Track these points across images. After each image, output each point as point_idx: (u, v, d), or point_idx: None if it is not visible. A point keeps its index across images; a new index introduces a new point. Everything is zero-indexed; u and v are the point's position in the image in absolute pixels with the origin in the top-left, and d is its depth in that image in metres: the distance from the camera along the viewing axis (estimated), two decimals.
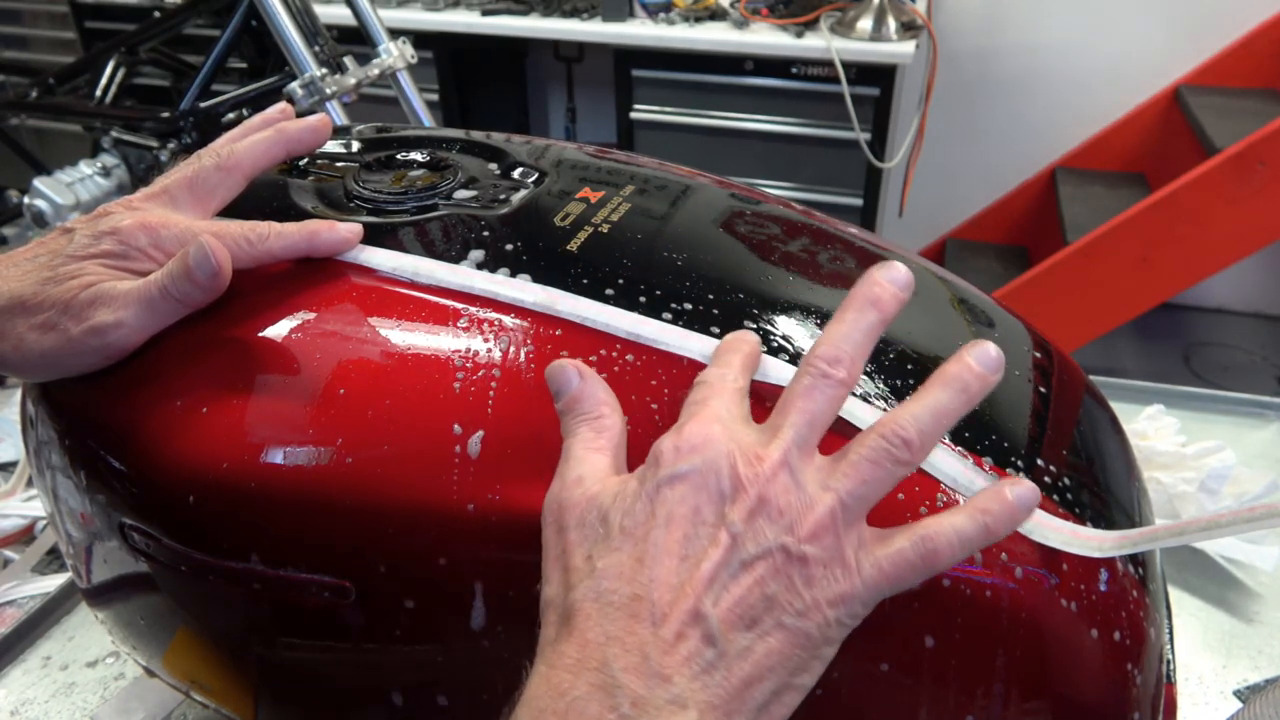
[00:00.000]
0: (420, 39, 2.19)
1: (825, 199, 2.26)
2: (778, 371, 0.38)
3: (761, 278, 0.45)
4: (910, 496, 0.36)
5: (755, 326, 0.41)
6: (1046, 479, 0.39)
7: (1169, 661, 0.42)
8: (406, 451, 0.37)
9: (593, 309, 0.40)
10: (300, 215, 0.46)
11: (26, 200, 1.47)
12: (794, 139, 2.23)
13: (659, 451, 0.33)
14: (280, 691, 0.44)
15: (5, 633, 0.64)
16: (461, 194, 0.49)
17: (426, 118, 1.43)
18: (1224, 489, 0.70)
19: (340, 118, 1.27)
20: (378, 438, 0.37)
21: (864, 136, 2.14)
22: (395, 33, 1.40)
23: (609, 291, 0.42)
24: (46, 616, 0.66)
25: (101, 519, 0.42)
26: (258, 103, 1.53)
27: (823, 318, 0.42)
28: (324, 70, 1.28)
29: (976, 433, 0.39)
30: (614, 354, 0.39)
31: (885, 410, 0.38)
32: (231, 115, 1.55)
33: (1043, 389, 0.44)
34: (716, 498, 0.31)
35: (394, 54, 1.37)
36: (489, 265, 0.43)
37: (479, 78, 2.64)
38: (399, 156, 0.51)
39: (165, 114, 1.54)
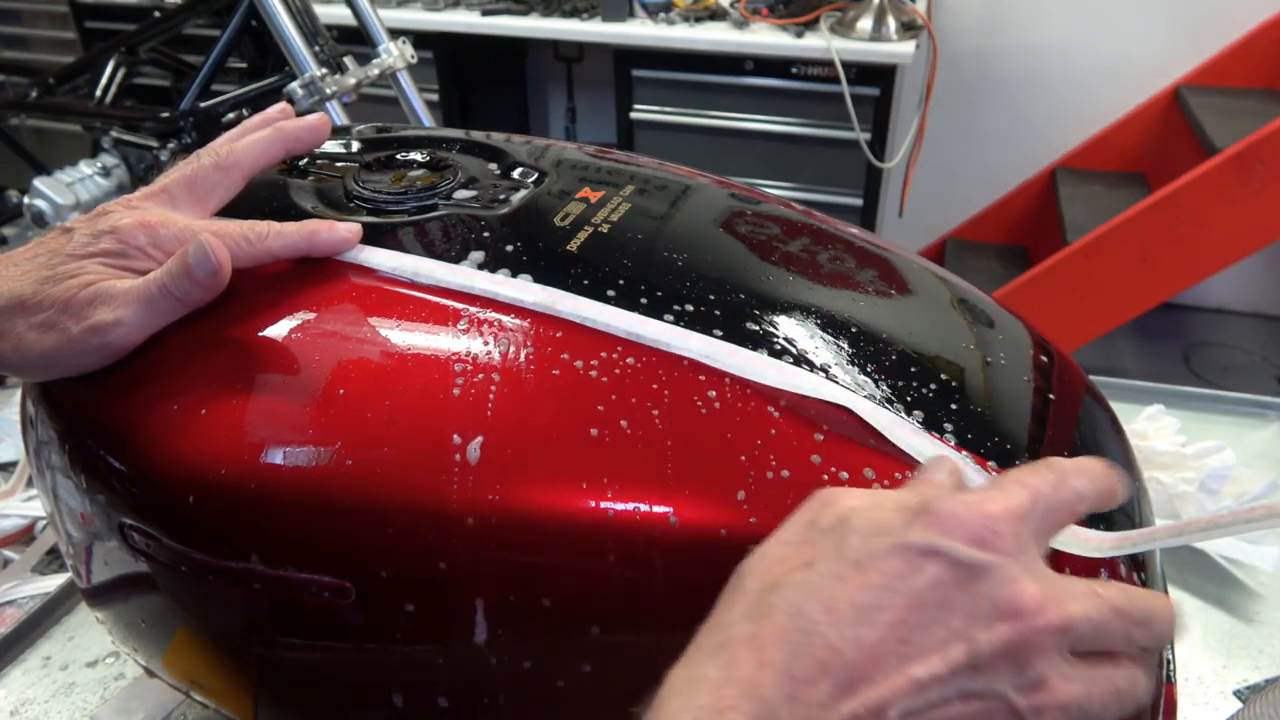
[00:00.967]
0: (420, 39, 2.19)
1: (825, 199, 2.26)
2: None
3: (761, 278, 0.45)
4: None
5: (756, 327, 0.41)
6: None
7: (1169, 661, 0.42)
8: (407, 452, 0.37)
9: (593, 309, 0.40)
10: (300, 215, 0.46)
11: (26, 200, 1.47)
12: (794, 139, 2.23)
13: (943, 510, 0.28)
14: (280, 692, 0.44)
15: (5, 633, 0.64)
16: (461, 194, 0.49)
17: (426, 118, 1.43)
18: (1224, 489, 0.70)
19: (340, 118, 1.27)
20: (378, 438, 0.37)
21: (864, 136, 2.14)
22: (395, 33, 1.40)
23: (609, 292, 0.42)
24: (46, 616, 0.66)
25: (101, 519, 0.42)
26: (258, 103, 1.53)
27: (823, 318, 0.42)
28: (324, 70, 1.28)
29: (978, 433, 0.39)
30: (615, 356, 0.39)
31: (895, 413, 0.38)
32: (231, 115, 1.55)
33: (1043, 389, 0.44)
34: (974, 610, 0.27)
35: (394, 54, 1.36)
36: (489, 265, 0.43)
37: (479, 78, 2.64)
38: (399, 156, 0.51)
39: (165, 114, 1.54)
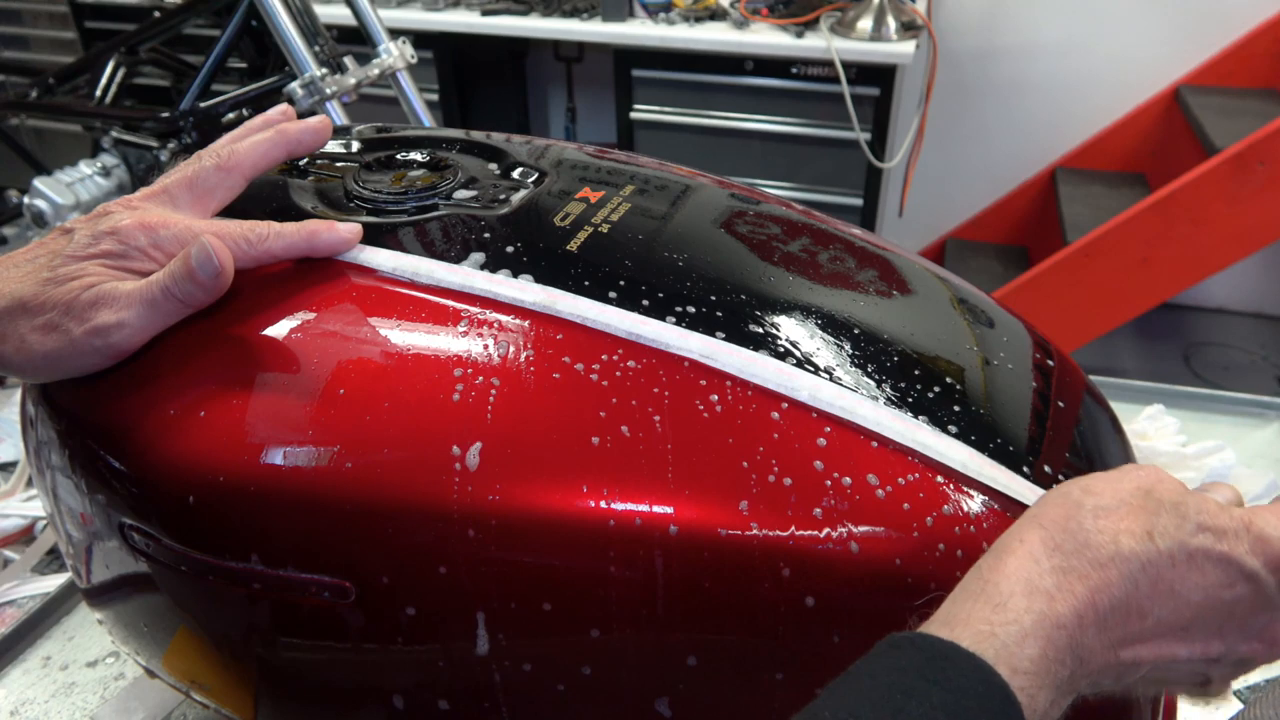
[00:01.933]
0: (420, 39, 2.20)
1: (825, 199, 2.26)
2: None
3: (761, 278, 0.45)
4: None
5: (755, 327, 0.41)
6: (1046, 478, 0.39)
7: None
8: (407, 453, 0.37)
9: (593, 309, 0.40)
10: (300, 215, 0.46)
11: (26, 200, 1.47)
12: (794, 139, 2.23)
13: (1269, 535, 0.33)
14: (280, 692, 0.44)
15: (5, 633, 0.64)
16: (461, 194, 0.49)
17: (426, 118, 1.43)
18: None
19: (340, 118, 1.27)
20: (378, 440, 0.37)
21: (864, 136, 2.14)
22: (395, 33, 1.40)
23: (609, 292, 0.42)
24: (46, 616, 0.66)
25: (101, 519, 0.42)
26: (258, 103, 1.53)
27: (823, 318, 0.42)
28: (324, 70, 1.28)
29: (978, 433, 0.39)
30: (615, 358, 0.39)
31: (894, 408, 0.38)
32: (231, 115, 1.55)
33: (1043, 389, 0.44)
34: (1247, 628, 0.33)
35: (394, 54, 1.36)
36: (489, 265, 0.43)
37: (479, 78, 2.64)
38: (399, 156, 0.51)
39: (165, 114, 1.53)
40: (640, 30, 2.21)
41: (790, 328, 0.41)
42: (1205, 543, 0.32)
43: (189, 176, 0.43)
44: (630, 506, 0.36)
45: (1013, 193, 2.67)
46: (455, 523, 0.37)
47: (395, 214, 0.47)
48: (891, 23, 2.11)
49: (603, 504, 0.36)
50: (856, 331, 0.42)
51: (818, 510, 0.36)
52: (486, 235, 0.45)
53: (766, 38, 2.15)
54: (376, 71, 1.35)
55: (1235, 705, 0.59)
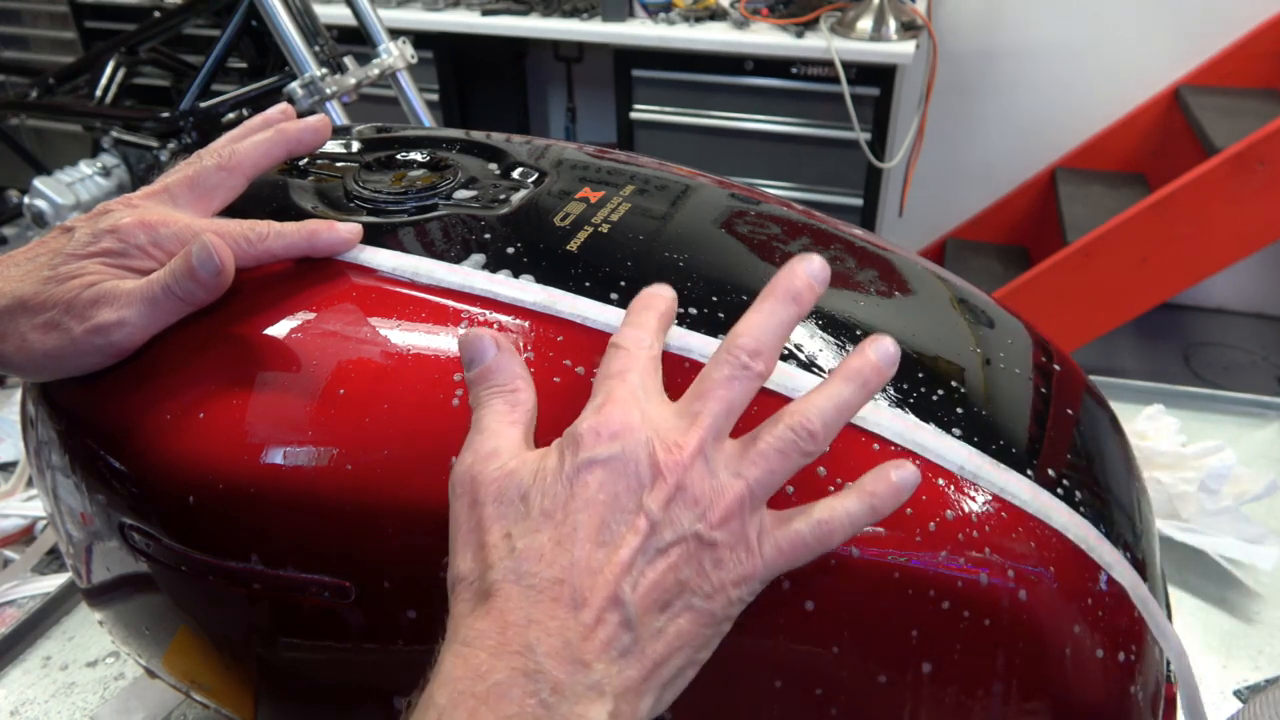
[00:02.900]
0: (420, 39, 2.20)
1: (825, 199, 2.26)
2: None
3: (761, 278, 0.45)
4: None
5: None
6: (1047, 478, 0.39)
7: (1168, 661, 0.42)
8: (407, 453, 0.37)
9: (593, 309, 0.40)
10: (300, 215, 0.46)
11: (26, 200, 1.47)
12: (794, 139, 2.23)
13: (578, 434, 0.33)
14: (280, 692, 0.44)
15: (5, 633, 0.64)
16: (461, 194, 0.49)
17: (426, 118, 1.43)
18: (1224, 489, 0.70)
19: (340, 118, 1.27)
20: (378, 439, 0.37)
21: (864, 136, 2.14)
22: (395, 33, 1.40)
23: (608, 291, 0.42)
24: (46, 616, 0.66)
25: (101, 519, 0.42)
26: (258, 103, 1.53)
27: (823, 318, 0.42)
28: (324, 70, 1.28)
29: (978, 434, 0.39)
30: None
31: (895, 409, 0.38)
32: (231, 115, 1.55)
33: (1043, 389, 0.44)
34: (635, 485, 0.32)
35: (394, 54, 1.36)
36: (489, 265, 0.43)
37: (479, 78, 2.64)
38: (399, 156, 0.51)
39: (165, 114, 1.53)
40: (640, 30, 2.22)
41: None
42: (542, 491, 0.32)
43: (189, 176, 0.44)
44: None
45: (1013, 193, 2.67)
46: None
47: (395, 214, 0.47)
48: (891, 23, 2.11)
49: None
50: (857, 331, 0.42)
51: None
52: (486, 235, 0.45)
53: (766, 38, 2.15)
54: (376, 71, 1.35)
55: (1235, 705, 0.59)
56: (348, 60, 1.34)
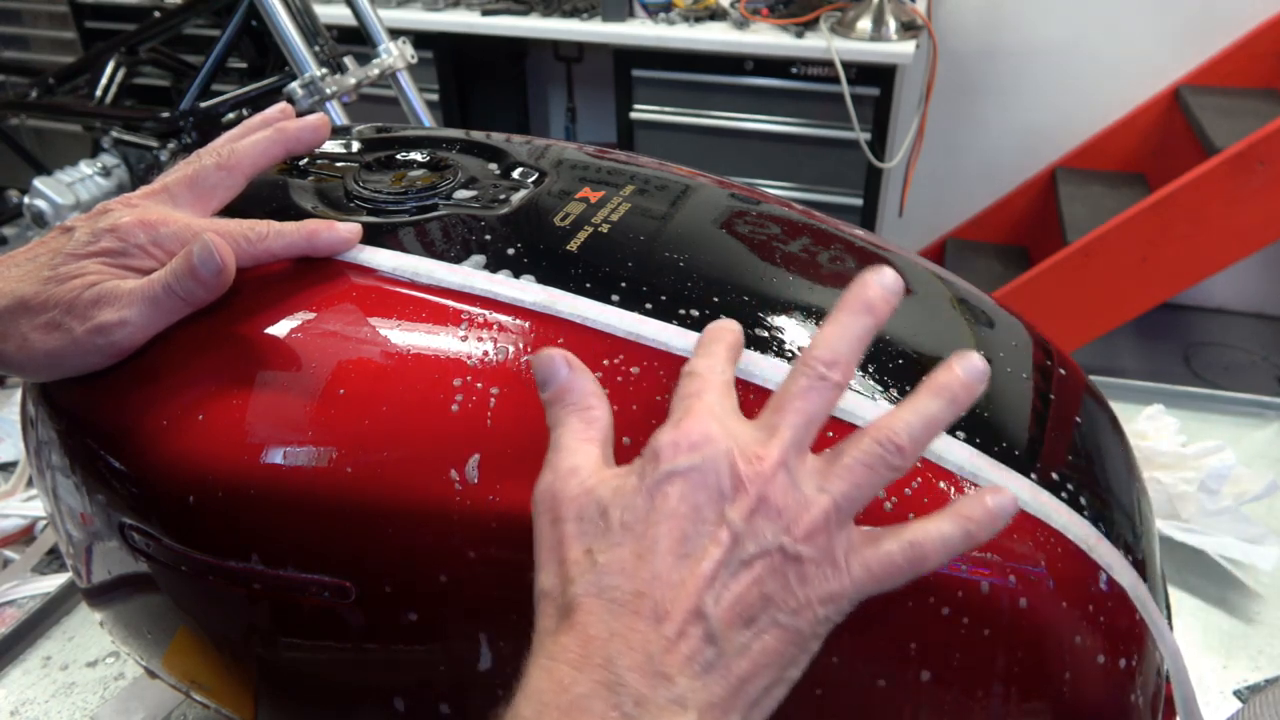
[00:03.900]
0: (420, 39, 2.20)
1: (825, 199, 2.26)
2: (758, 366, 0.38)
3: (762, 278, 0.45)
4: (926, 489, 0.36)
5: (755, 327, 0.41)
6: (1047, 479, 0.39)
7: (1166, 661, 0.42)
8: (407, 452, 0.37)
9: (593, 309, 0.40)
10: (300, 215, 0.46)
11: (26, 200, 1.47)
12: (794, 139, 2.23)
13: (657, 447, 0.32)
14: (280, 692, 0.44)
15: (5, 633, 0.64)
16: (461, 194, 0.49)
17: (426, 118, 1.43)
18: (1224, 489, 0.70)
19: (340, 118, 1.27)
20: (378, 439, 0.37)
21: (864, 136, 2.14)
22: (395, 33, 1.40)
23: (608, 291, 0.42)
24: (46, 616, 0.66)
25: (101, 519, 0.42)
26: (258, 103, 1.53)
27: (823, 318, 0.42)
28: (324, 70, 1.28)
29: (978, 432, 0.39)
30: (616, 362, 0.39)
31: (890, 405, 0.38)
32: (231, 115, 1.55)
33: (1043, 389, 0.44)
34: (716, 496, 0.31)
35: (394, 54, 1.36)
36: (489, 265, 0.43)
37: (479, 78, 2.64)
38: (399, 156, 0.51)
39: (165, 114, 1.53)
40: (640, 30, 2.21)
41: (790, 328, 0.41)
42: (622, 506, 0.32)
43: (189, 175, 0.44)
44: None
45: (1013, 193, 2.67)
46: (455, 525, 0.37)
47: (395, 214, 0.47)
48: (891, 23, 2.11)
49: None
50: None
51: None
52: (486, 235, 0.45)
53: (766, 38, 2.15)
54: (376, 71, 1.35)
55: (1235, 705, 0.59)
56: (348, 60, 1.34)
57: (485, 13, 2.33)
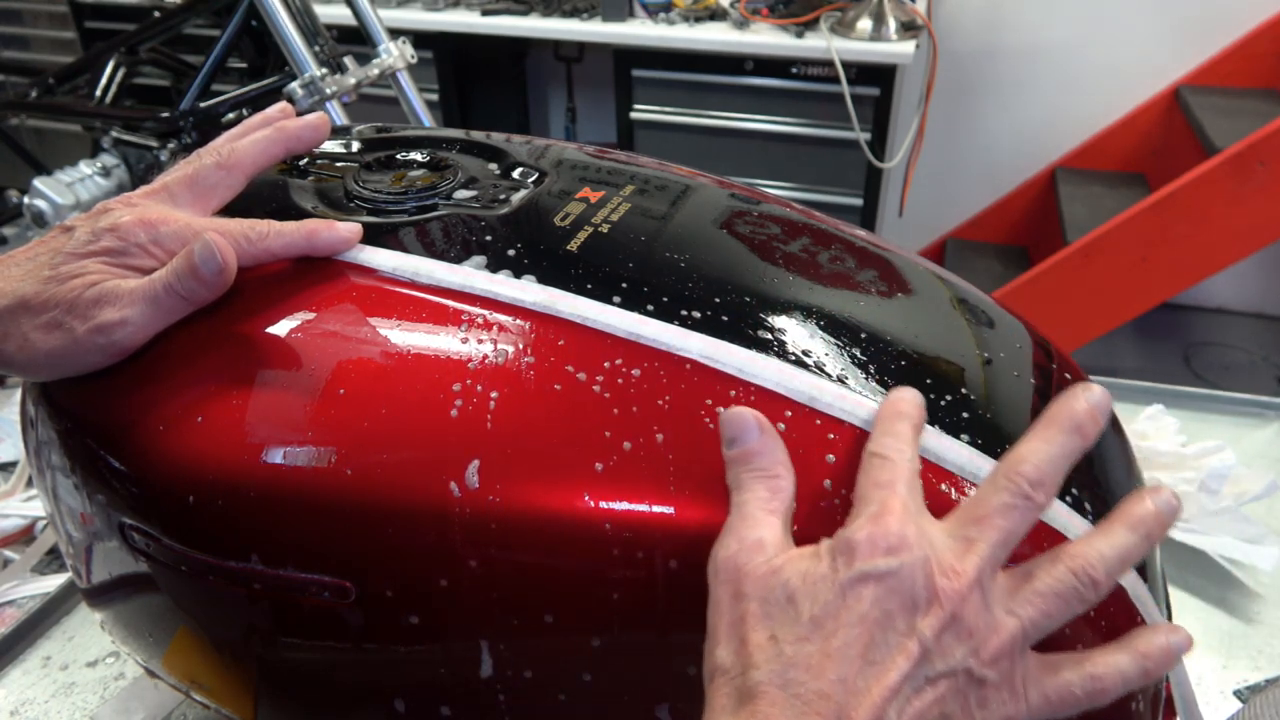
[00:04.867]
0: (420, 39, 2.20)
1: (825, 199, 2.26)
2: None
3: (761, 278, 0.45)
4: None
5: (756, 327, 0.41)
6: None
7: None
8: (407, 452, 0.37)
9: (593, 309, 0.40)
10: (300, 215, 0.46)
11: (26, 200, 1.47)
12: (794, 139, 2.23)
13: (854, 541, 0.32)
14: (280, 692, 0.44)
15: (5, 633, 0.64)
16: (461, 194, 0.49)
17: (426, 118, 1.43)
18: (1224, 489, 0.70)
19: (340, 118, 1.27)
20: (378, 439, 0.37)
21: (864, 136, 2.14)
22: (395, 33, 1.40)
23: (608, 291, 0.42)
24: (46, 616, 0.66)
25: (101, 519, 0.42)
26: (258, 103, 1.53)
27: (823, 318, 0.42)
28: (324, 70, 1.28)
29: (978, 434, 0.39)
30: (617, 364, 0.39)
31: (880, 401, 0.38)
32: (231, 115, 1.55)
33: (1043, 389, 0.44)
34: (909, 605, 0.31)
35: (394, 54, 1.37)
36: (489, 265, 0.43)
37: (479, 78, 2.64)
38: (399, 156, 0.51)
39: (165, 114, 1.53)
40: (640, 30, 2.22)
41: (790, 328, 0.41)
42: (813, 598, 0.31)
43: (189, 174, 0.43)
44: (632, 508, 0.36)
45: (1013, 193, 2.67)
46: (455, 527, 0.36)
47: (395, 214, 0.47)
48: (891, 23, 2.11)
49: (604, 514, 0.36)
50: (856, 332, 0.42)
51: (817, 514, 0.36)
52: (486, 235, 0.45)
53: (766, 38, 2.15)
54: (376, 71, 1.35)
55: (1235, 705, 0.59)
56: (348, 60, 1.34)
57: (485, 13, 2.33)
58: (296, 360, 0.39)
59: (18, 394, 0.68)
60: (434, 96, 2.48)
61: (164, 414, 0.39)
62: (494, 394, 0.38)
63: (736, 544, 0.33)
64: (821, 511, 0.36)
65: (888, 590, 0.31)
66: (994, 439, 0.39)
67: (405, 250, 0.43)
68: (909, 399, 0.37)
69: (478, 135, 0.57)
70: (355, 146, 0.56)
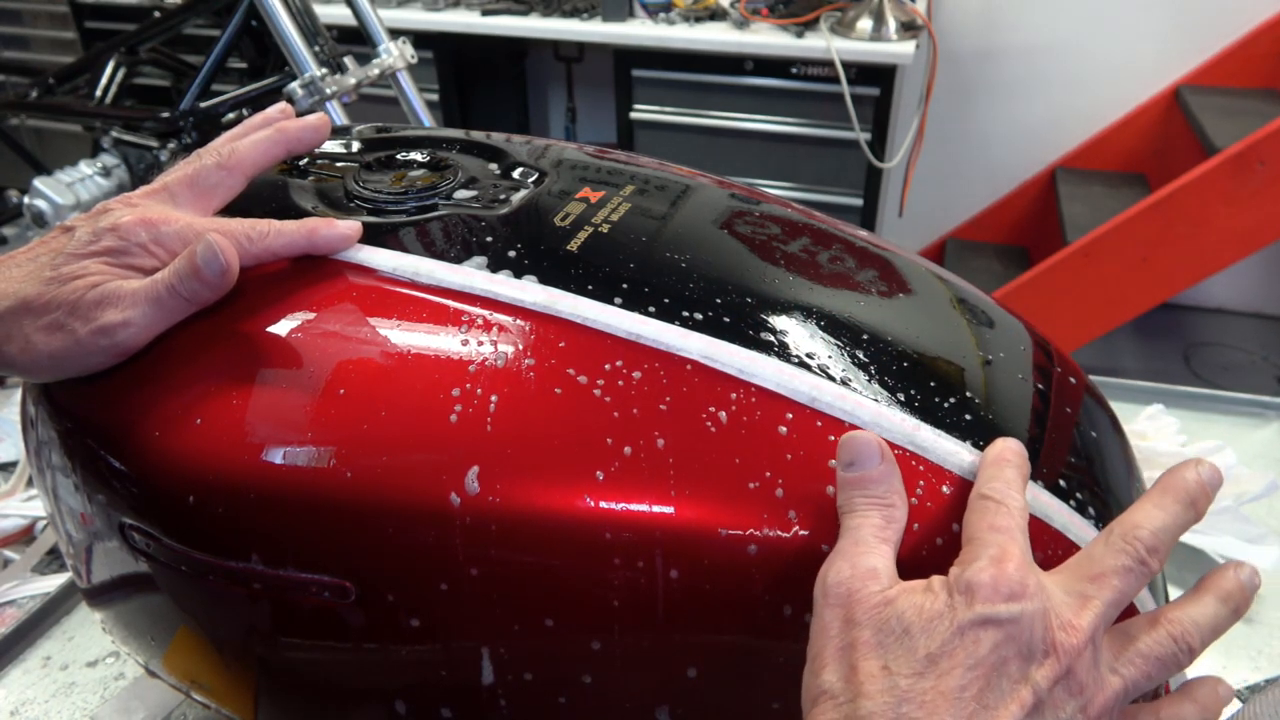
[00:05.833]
0: (420, 39, 2.20)
1: (825, 199, 2.26)
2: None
3: (761, 278, 0.45)
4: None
5: (759, 330, 0.41)
6: (1047, 480, 0.39)
7: None
8: (407, 452, 0.37)
9: (593, 309, 0.40)
10: (300, 215, 0.46)
11: (26, 200, 1.47)
12: (794, 139, 2.23)
13: (975, 583, 0.32)
14: (280, 692, 0.44)
15: (5, 633, 0.64)
16: (461, 194, 0.49)
17: (426, 118, 1.43)
18: (1224, 489, 0.70)
19: (340, 118, 1.27)
20: (379, 439, 0.37)
21: (864, 136, 2.14)
22: (395, 33, 1.40)
23: (608, 291, 0.42)
24: (46, 616, 0.66)
25: (101, 519, 0.42)
26: (258, 103, 1.53)
27: (823, 318, 0.42)
28: (324, 70, 1.28)
29: (978, 434, 0.39)
30: (617, 365, 0.39)
31: (895, 409, 0.38)
32: (231, 115, 1.55)
33: (1043, 389, 0.44)
34: (1025, 654, 0.31)
35: (394, 54, 1.36)
36: (489, 265, 0.43)
37: (479, 78, 2.64)
38: (399, 156, 0.51)
39: (165, 114, 1.53)
40: (640, 30, 2.22)
41: (790, 328, 0.41)
42: (930, 634, 0.31)
43: (189, 174, 0.43)
44: (632, 510, 0.36)
45: (1013, 193, 2.67)
46: (455, 531, 0.36)
47: (395, 214, 0.47)
48: (891, 23, 2.11)
49: (605, 525, 0.36)
50: (857, 332, 0.42)
51: (818, 518, 0.36)
52: (487, 235, 0.45)
53: (766, 38, 2.15)
54: (376, 71, 1.35)
55: (1235, 705, 0.59)
56: (348, 60, 1.34)
57: (485, 13, 2.33)
58: (297, 360, 0.39)
59: (18, 394, 0.68)
60: (434, 96, 2.48)
61: (164, 414, 0.39)
62: (494, 397, 0.38)
63: (850, 569, 0.33)
64: (825, 511, 0.36)
65: (1007, 637, 0.31)
66: (993, 438, 0.39)
67: (405, 250, 0.43)
68: (1014, 449, 0.37)
69: (478, 135, 0.57)
70: (355, 146, 0.56)
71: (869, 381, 0.40)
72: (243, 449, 0.37)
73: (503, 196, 0.49)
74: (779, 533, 0.36)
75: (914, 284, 0.49)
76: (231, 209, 0.45)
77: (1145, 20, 2.41)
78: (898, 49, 2.06)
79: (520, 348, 0.39)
